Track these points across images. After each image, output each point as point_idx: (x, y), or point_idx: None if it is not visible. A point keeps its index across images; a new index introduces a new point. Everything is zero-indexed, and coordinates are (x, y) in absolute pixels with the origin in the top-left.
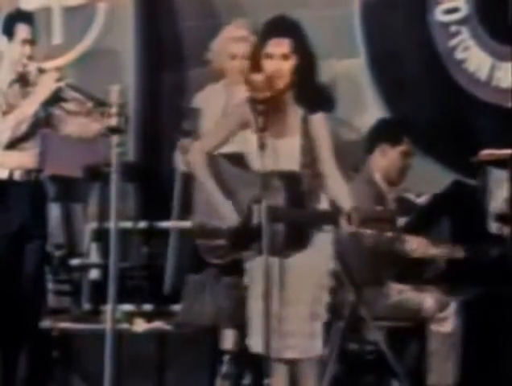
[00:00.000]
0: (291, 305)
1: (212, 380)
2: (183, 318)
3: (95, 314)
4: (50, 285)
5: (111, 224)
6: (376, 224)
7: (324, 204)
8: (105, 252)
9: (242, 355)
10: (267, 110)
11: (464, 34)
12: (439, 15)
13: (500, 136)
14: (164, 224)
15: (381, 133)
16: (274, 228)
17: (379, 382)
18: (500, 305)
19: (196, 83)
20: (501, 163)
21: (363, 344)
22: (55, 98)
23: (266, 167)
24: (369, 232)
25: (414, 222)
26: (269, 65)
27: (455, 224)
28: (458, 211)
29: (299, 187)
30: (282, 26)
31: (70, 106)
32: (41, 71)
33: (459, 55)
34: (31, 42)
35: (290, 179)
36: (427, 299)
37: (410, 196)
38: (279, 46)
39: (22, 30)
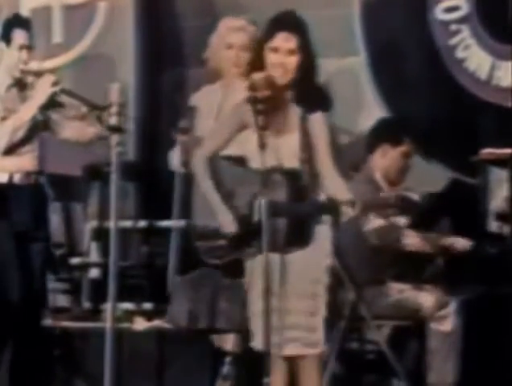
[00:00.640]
0: (291, 300)
1: (212, 379)
2: (170, 319)
3: (95, 313)
4: (50, 284)
5: (111, 223)
6: (379, 210)
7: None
8: (105, 251)
9: (242, 356)
10: (267, 109)
11: (465, 32)
12: (439, 14)
13: (500, 135)
14: (164, 223)
15: (382, 134)
16: (275, 224)
17: (379, 381)
18: (500, 304)
19: (195, 82)
20: (501, 162)
21: (363, 343)
22: (52, 103)
23: (267, 165)
24: (372, 217)
25: (414, 221)
26: (274, 59)
27: (455, 223)
28: (458, 210)
29: (300, 183)
30: (291, 22)
31: (66, 110)
32: (37, 75)
33: (459, 53)
34: (28, 47)
35: (291, 175)
36: (427, 298)
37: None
38: (287, 40)
39: (19, 36)
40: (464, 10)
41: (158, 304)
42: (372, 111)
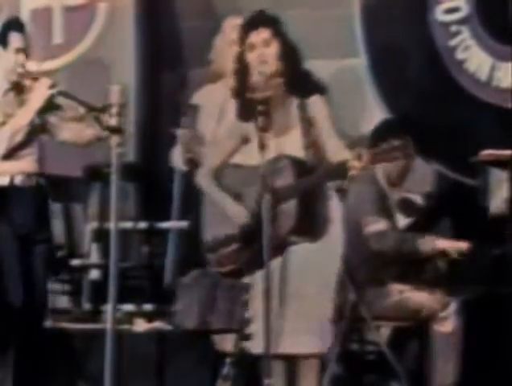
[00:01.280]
0: (296, 301)
1: (212, 380)
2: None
3: (95, 314)
4: (50, 286)
5: (111, 224)
6: (388, 155)
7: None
8: (105, 253)
9: (242, 357)
10: (267, 110)
11: (465, 34)
12: (439, 15)
13: (500, 136)
14: (164, 224)
15: (383, 136)
16: (282, 212)
17: (380, 382)
18: (500, 305)
19: (196, 83)
20: (501, 163)
21: (364, 344)
22: (49, 105)
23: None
24: (382, 165)
25: (415, 222)
26: (253, 55)
27: (455, 224)
28: (458, 211)
29: (305, 168)
30: (259, 19)
31: (64, 112)
32: (34, 79)
33: (459, 55)
34: (25, 50)
35: (296, 161)
36: (428, 299)
37: (415, 197)
38: (260, 33)
39: (15, 39)
40: (465, 11)
41: (158, 305)
42: (372, 112)
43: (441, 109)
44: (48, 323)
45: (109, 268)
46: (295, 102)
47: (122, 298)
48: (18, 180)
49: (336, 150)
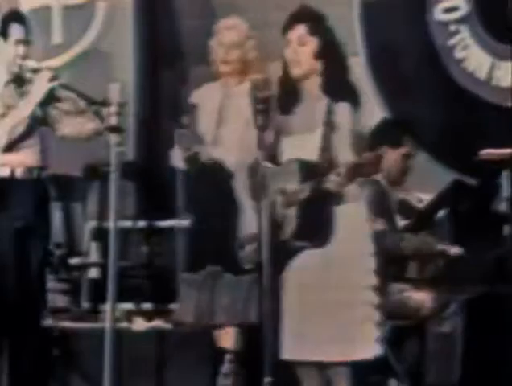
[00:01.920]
0: (332, 306)
1: (212, 379)
2: (180, 317)
3: (95, 313)
4: (49, 284)
5: (111, 223)
6: (364, 170)
7: None
8: (104, 251)
9: (243, 354)
10: (267, 109)
11: (464, 33)
12: (438, 14)
13: (500, 135)
14: (164, 223)
15: (382, 136)
16: (286, 215)
17: (379, 381)
18: (500, 305)
19: (195, 81)
20: (501, 162)
21: None
22: (50, 97)
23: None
24: (358, 181)
25: (415, 221)
26: (287, 53)
27: (455, 224)
28: (458, 210)
29: (315, 172)
30: (298, 14)
31: (65, 106)
32: (35, 71)
33: (458, 54)
34: (25, 42)
35: (307, 165)
36: (427, 298)
37: (414, 198)
38: (295, 30)
39: (15, 31)
40: (464, 10)
41: (157, 304)
42: (372, 111)
43: (440, 108)
44: (47, 322)
45: (108, 267)
46: (324, 104)
47: (121, 297)
48: (18, 173)
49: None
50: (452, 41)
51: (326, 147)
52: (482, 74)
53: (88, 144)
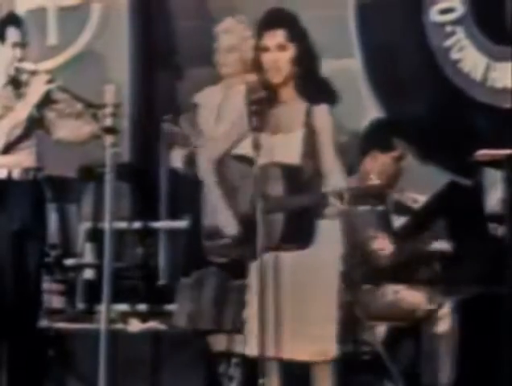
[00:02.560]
0: (297, 305)
1: (206, 380)
2: (175, 321)
3: (90, 314)
4: (45, 285)
5: (106, 224)
6: (367, 200)
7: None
8: (99, 253)
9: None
10: (262, 110)
11: (460, 34)
12: (434, 15)
13: (495, 136)
14: (159, 224)
15: (371, 140)
16: (271, 220)
17: (374, 382)
18: (496, 305)
19: (190, 83)
20: (496, 164)
21: (358, 344)
22: (47, 100)
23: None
24: (361, 208)
25: (410, 223)
26: (266, 58)
27: (450, 225)
28: (453, 211)
29: (298, 177)
30: (276, 18)
31: (61, 108)
32: (32, 73)
33: (454, 55)
34: (22, 45)
35: (288, 170)
36: (423, 299)
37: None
38: (273, 37)
39: (12, 34)
40: (459, 11)
41: (152, 305)
42: (368, 112)
43: (436, 109)
44: (43, 323)
45: (103, 268)
46: (302, 106)
47: (116, 298)
48: (15, 174)
49: (331, 172)
50: (448, 42)
51: (308, 151)
52: (478, 75)
53: (81, 147)
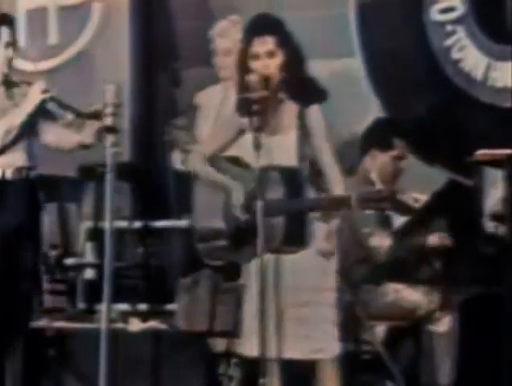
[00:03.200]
0: (297, 306)
1: (207, 380)
2: (176, 321)
3: (90, 314)
4: (45, 285)
5: (106, 224)
6: (375, 204)
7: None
8: (100, 252)
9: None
10: (262, 110)
11: (460, 33)
12: (434, 15)
13: (495, 135)
14: (160, 224)
15: (371, 139)
16: (272, 223)
17: (375, 382)
18: (496, 305)
19: (191, 82)
20: (496, 163)
21: (359, 344)
22: (40, 110)
23: (263, 164)
24: (368, 212)
25: (410, 222)
26: (257, 65)
27: (450, 224)
28: (454, 210)
29: (296, 180)
30: (263, 24)
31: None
32: (28, 84)
33: (454, 54)
34: (13, 44)
35: (287, 173)
36: (424, 298)
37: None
38: (263, 44)
39: (4, 34)
40: (460, 10)
41: (153, 305)
42: (368, 112)
43: (436, 109)
44: (43, 322)
45: (103, 267)
46: (294, 109)
47: (117, 298)
48: (8, 174)
49: (331, 173)
50: (449, 41)
51: (304, 154)
52: (478, 74)
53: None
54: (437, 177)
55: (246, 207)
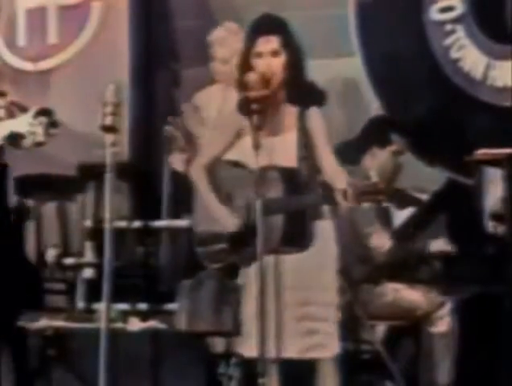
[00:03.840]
0: (298, 305)
1: (206, 379)
2: (176, 322)
3: (90, 313)
4: (45, 284)
5: (106, 223)
6: (372, 197)
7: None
8: (99, 251)
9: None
10: (262, 109)
11: (460, 32)
12: (434, 14)
13: (495, 135)
14: (159, 223)
15: (369, 136)
16: (271, 223)
17: (374, 381)
18: (495, 305)
19: (191, 82)
20: (496, 162)
21: (358, 343)
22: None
23: (262, 165)
24: (366, 205)
25: (410, 221)
26: (260, 64)
27: (450, 224)
28: (453, 210)
29: (296, 180)
30: (268, 24)
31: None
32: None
33: (454, 53)
34: None
35: (287, 173)
36: (423, 298)
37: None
38: (268, 43)
39: None
40: (459, 10)
41: (152, 304)
42: (367, 111)
43: (436, 108)
44: (42, 322)
45: (103, 267)
46: (294, 111)
47: (117, 297)
48: None
49: (332, 171)
50: (448, 41)
51: (304, 155)
52: (478, 74)
53: (84, 144)
54: (437, 177)
55: (246, 212)
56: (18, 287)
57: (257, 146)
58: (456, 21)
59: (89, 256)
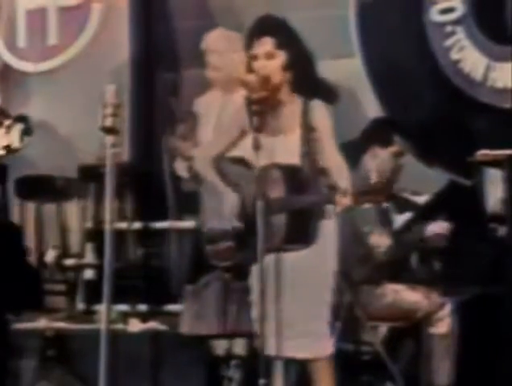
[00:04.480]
0: (295, 304)
1: (206, 381)
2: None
3: (90, 314)
4: (45, 285)
5: (106, 225)
6: (372, 197)
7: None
8: (100, 253)
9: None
10: (263, 110)
11: (460, 34)
12: (434, 15)
13: (495, 136)
14: (159, 225)
15: (371, 136)
16: (274, 221)
17: (375, 382)
18: (496, 306)
19: (191, 84)
20: (496, 164)
21: (359, 344)
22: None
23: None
24: (366, 205)
25: (411, 223)
26: (256, 66)
27: (450, 224)
28: (454, 211)
29: (298, 177)
30: (263, 26)
31: None
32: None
33: (454, 55)
34: None
35: (289, 171)
36: (423, 299)
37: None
38: (261, 45)
39: None
40: (460, 11)
41: (153, 305)
42: (368, 112)
43: (436, 109)
44: (43, 323)
45: (103, 268)
46: (298, 106)
47: (117, 298)
48: None
49: (335, 166)
50: (448, 42)
51: (307, 151)
52: (478, 75)
53: (84, 144)
54: (437, 178)
55: (248, 209)
56: (18, 288)
57: (257, 147)
58: (456, 22)
59: (90, 257)
